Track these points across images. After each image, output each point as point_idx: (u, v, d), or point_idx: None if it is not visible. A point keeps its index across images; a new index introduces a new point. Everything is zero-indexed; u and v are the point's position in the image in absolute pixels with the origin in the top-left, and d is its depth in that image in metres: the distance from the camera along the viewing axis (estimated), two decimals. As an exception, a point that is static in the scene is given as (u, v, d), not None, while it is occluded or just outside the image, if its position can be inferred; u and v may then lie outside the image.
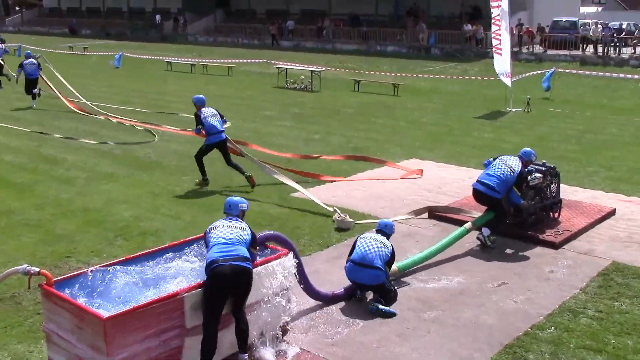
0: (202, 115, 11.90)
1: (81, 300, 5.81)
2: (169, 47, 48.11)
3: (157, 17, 60.56)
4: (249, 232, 6.24)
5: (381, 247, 7.45)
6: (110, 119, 18.65)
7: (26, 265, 5.89)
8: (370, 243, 7.47)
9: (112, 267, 6.46)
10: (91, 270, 6.29)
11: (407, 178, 12.59)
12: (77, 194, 11.59)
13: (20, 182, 12.37)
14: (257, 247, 6.42)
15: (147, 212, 10.59)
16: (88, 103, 20.64)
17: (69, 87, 21.92)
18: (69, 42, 48.42)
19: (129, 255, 6.81)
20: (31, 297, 7.37)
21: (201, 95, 12.53)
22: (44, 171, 13.17)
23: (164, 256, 6.76)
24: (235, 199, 6.63)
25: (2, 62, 26.68)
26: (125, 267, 6.49)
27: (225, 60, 32.87)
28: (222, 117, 12.18)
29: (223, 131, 12.04)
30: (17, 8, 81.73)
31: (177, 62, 33.59)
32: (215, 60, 33.47)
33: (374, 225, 8.56)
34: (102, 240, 9.30)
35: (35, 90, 21.14)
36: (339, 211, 10.10)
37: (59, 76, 22.61)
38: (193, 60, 34.08)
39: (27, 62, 21.38)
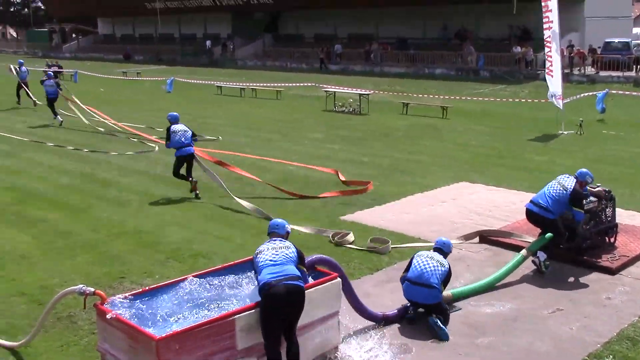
0: (171, 130, 13.02)
1: (134, 321, 5.88)
2: (219, 71, 48.89)
3: (207, 42, 61.69)
4: (294, 249, 6.29)
5: (438, 265, 7.38)
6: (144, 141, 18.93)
7: (82, 285, 6.01)
8: (427, 261, 7.41)
9: (165, 288, 6.54)
10: (144, 291, 6.37)
11: (452, 200, 12.46)
12: (130, 216, 11.80)
13: (75, 204, 12.66)
14: (306, 265, 6.47)
15: (198, 234, 10.70)
16: (115, 124, 21.08)
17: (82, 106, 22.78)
18: (123, 68, 49.64)
19: (180, 277, 6.87)
20: (86, 316, 7.49)
21: (174, 113, 13.59)
22: (98, 194, 13.46)
23: (215, 278, 6.81)
24: (280, 220, 6.73)
25: (25, 84, 28.08)
26: (177, 288, 6.56)
27: (274, 84, 33.23)
28: (193, 134, 13.20)
29: (190, 145, 12.97)
30: (73, 35, 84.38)
31: (227, 86, 34.07)
32: (264, 84, 33.87)
33: (410, 250, 8.52)
34: (155, 262, 9.43)
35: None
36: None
37: (77, 100, 23.28)
38: (242, 84, 34.53)
39: (47, 82, 23.35)
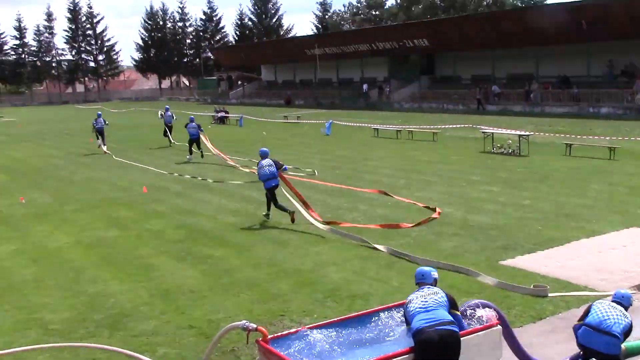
0: (259, 166, 14.88)
1: (293, 358, 6.00)
2: (376, 114, 49.55)
3: (364, 86, 62.91)
4: (443, 294, 6.23)
5: (621, 316, 6.89)
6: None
7: (245, 321, 6.23)
8: (609, 310, 6.94)
9: (323, 327, 6.63)
10: (304, 330, 6.49)
11: (622, 247, 11.65)
12: (290, 255, 12.14)
13: (239, 242, 13.24)
14: (458, 309, 6.36)
15: (355, 275, 10.78)
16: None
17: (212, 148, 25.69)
18: (284, 112, 51.76)
19: (338, 317, 6.94)
20: (249, 351, 7.74)
21: (264, 149, 15.40)
22: (260, 232, 14.00)
23: (372, 320, 6.81)
24: (426, 268, 6.77)
25: (169, 128, 32.58)
26: (335, 328, 6.63)
27: (430, 126, 33.11)
28: (279, 166, 14.79)
29: (275, 178, 14.61)
30: (239, 82, 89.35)
31: (384, 129, 34.41)
32: (420, 126, 33.85)
33: (576, 299, 8.00)
34: (313, 301, 9.59)
35: (189, 154, 26.77)
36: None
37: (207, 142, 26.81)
38: (398, 126, 34.74)
39: (190, 125, 26.84)
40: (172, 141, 31.92)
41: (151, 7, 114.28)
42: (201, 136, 26.94)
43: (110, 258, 12.48)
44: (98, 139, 31.26)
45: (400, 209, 15.50)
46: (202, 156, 26.61)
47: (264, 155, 14.99)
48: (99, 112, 33.09)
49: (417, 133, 32.23)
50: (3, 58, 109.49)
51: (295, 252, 12.31)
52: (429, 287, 6.40)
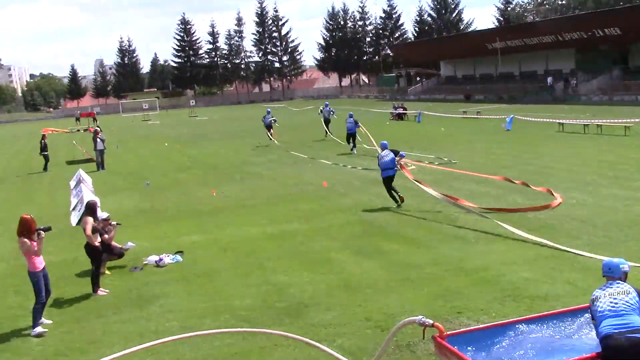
0: (379, 157, 16.61)
1: (469, 355, 5.90)
2: (561, 108, 47.19)
3: (549, 79, 60.16)
4: (635, 294, 5.74)
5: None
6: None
7: (421, 316, 6.21)
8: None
9: (501, 327, 6.46)
10: (481, 328, 6.37)
11: None
12: (469, 252, 11.92)
13: (418, 238, 13.22)
14: None
15: (539, 275, 10.34)
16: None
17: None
18: (463, 108, 50.81)
19: (517, 317, 6.72)
20: (424, 347, 7.73)
21: (384, 141, 17.17)
22: (439, 228, 13.89)
23: (554, 322, 6.53)
24: (615, 260, 6.20)
25: (326, 122, 34.98)
26: (513, 329, 6.44)
27: (622, 120, 30.87)
28: (396, 153, 16.27)
29: (392, 168, 16.16)
30: (417, 78, 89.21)
31: (569, 123, 32.63)
32: (610, 120, 31.67)
33: None
34: (492, 300, 9.36)
35: (351, 146, 29.11)
36: None
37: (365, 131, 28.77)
38: (586, 120, 32.76)
39: (348, 120, 29.03)
40: (329, 133, 34.10)
41: (333, 8, 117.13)
42: (362, 130, 29.06)
43: (293, 250, 13.02)
44: (269, 132, 35.38)
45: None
46: (351, 150, 28.68)
47: (383, 147, 16.69)
48: (269, 110, 37.84)
49: (606, 127, 30.21)
50: (198, 62, 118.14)
51: (474, 249, 12.07)
52: (618, 284, 5.94)
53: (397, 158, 16.34)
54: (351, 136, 29.06)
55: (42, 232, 9.61)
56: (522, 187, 16.35)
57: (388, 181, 16.30)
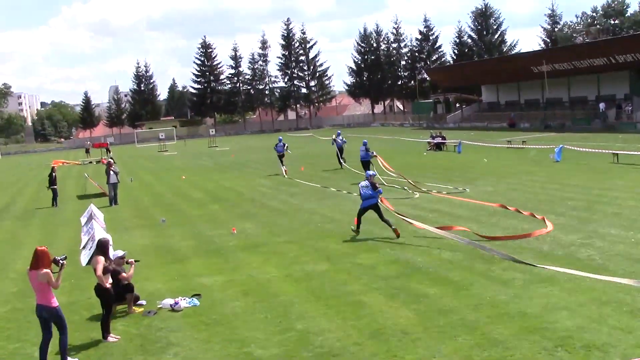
0: (360, 185, 18.06)
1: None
2: (615, 137, 46.71)
3: (601, 105, 59.69)
4: None
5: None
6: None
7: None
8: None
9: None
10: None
11: None
12: (513, 296, 11.71)
13: (456, 280, 13.05)
14: None
15: (591, 322, 10.11)
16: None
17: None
18: (507, 136, 50.54)
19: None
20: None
21: (369, 171, 19.85)
22: (480, 271, 13.68)
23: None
24: None
25: (340, 150, 37.31)
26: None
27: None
28: (374, 187, 17.68)
29: (374, 197, 17.61)
30: (457, 105, 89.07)
31: (625, 154, 32.19)
32: (671, 150, 31.19)
33: None
34: (541, 350, 9.15)
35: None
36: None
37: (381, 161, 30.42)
38: (644, 150, 32.30)
39: (361, 149, 31.58)
40: (343, 164, 36.48)
41: (365, 30, 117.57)
42: (378, 159, 30.78)
43: (319, 293, 12.92)
44: (281, 161, 37.28)
45: None
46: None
47: (366, 177, 18.46)
48: (280, 137, 40.27)
49: (667, 158, 29.76)
50: (219, 87, 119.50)
51: (519, 293, 11.86)
52: None
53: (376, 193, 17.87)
54: (365, 165, 31.11)
55: (62, 260, 9.89)
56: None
57: (365, 210, 17.77)
